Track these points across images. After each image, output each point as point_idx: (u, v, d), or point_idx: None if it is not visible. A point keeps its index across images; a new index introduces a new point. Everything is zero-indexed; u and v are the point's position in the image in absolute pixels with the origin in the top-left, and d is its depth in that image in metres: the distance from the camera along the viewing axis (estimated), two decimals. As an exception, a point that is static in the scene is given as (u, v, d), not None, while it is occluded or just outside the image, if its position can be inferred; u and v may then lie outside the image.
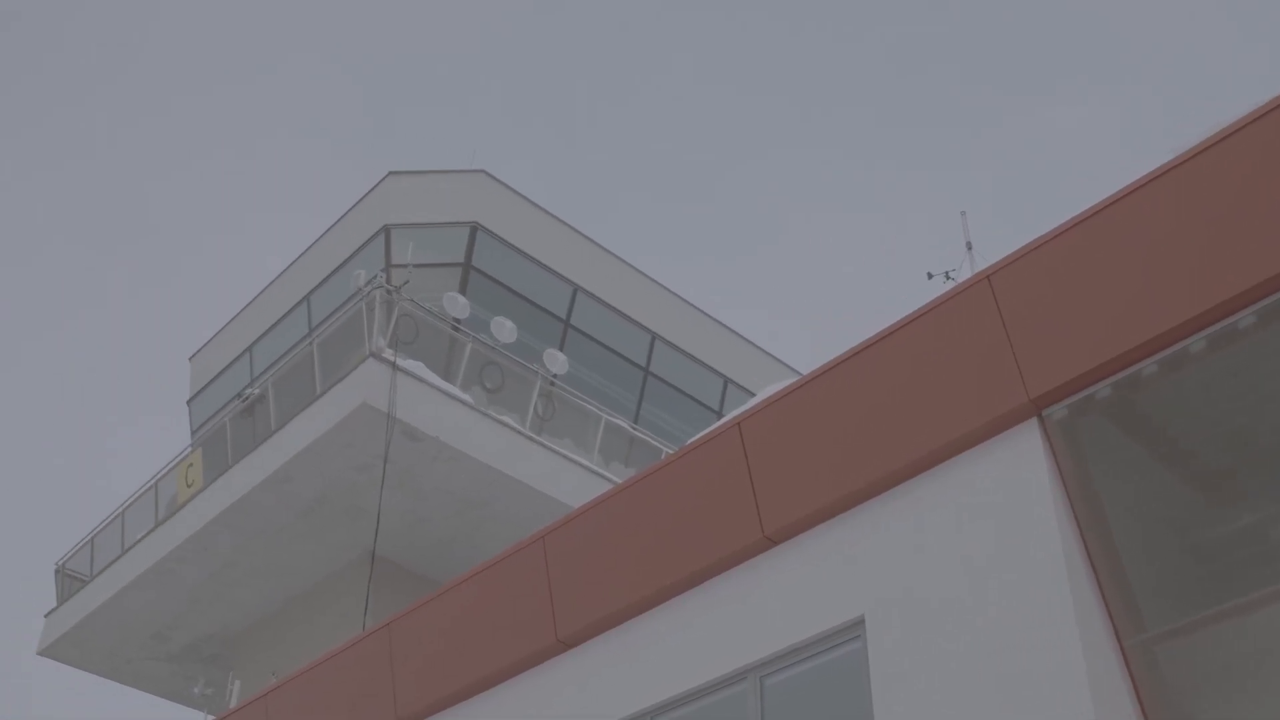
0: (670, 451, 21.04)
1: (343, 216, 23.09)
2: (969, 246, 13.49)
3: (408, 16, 73.28)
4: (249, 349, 24.70)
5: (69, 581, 24.63)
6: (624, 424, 22.09)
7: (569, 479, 19.86)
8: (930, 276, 13.36)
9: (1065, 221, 8.87)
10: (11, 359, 72.84)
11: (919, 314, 9.61)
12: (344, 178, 74.94)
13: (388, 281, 20.20)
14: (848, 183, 73.95)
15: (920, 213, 70.18)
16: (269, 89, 74.47)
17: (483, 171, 22.49)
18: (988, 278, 9.21)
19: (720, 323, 25.43)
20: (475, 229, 21.73)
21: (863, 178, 74.42)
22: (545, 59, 74.84)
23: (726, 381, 24.97)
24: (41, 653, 24.12)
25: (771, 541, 10.06)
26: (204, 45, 73.37)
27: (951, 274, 13.19)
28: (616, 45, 73.37)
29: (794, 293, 73.60)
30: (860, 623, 9.22)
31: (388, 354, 18.75)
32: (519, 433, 19.75)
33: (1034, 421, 8.74)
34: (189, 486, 21.61)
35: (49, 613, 24.32)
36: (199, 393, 26.08)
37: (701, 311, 25.20)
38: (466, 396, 19.49)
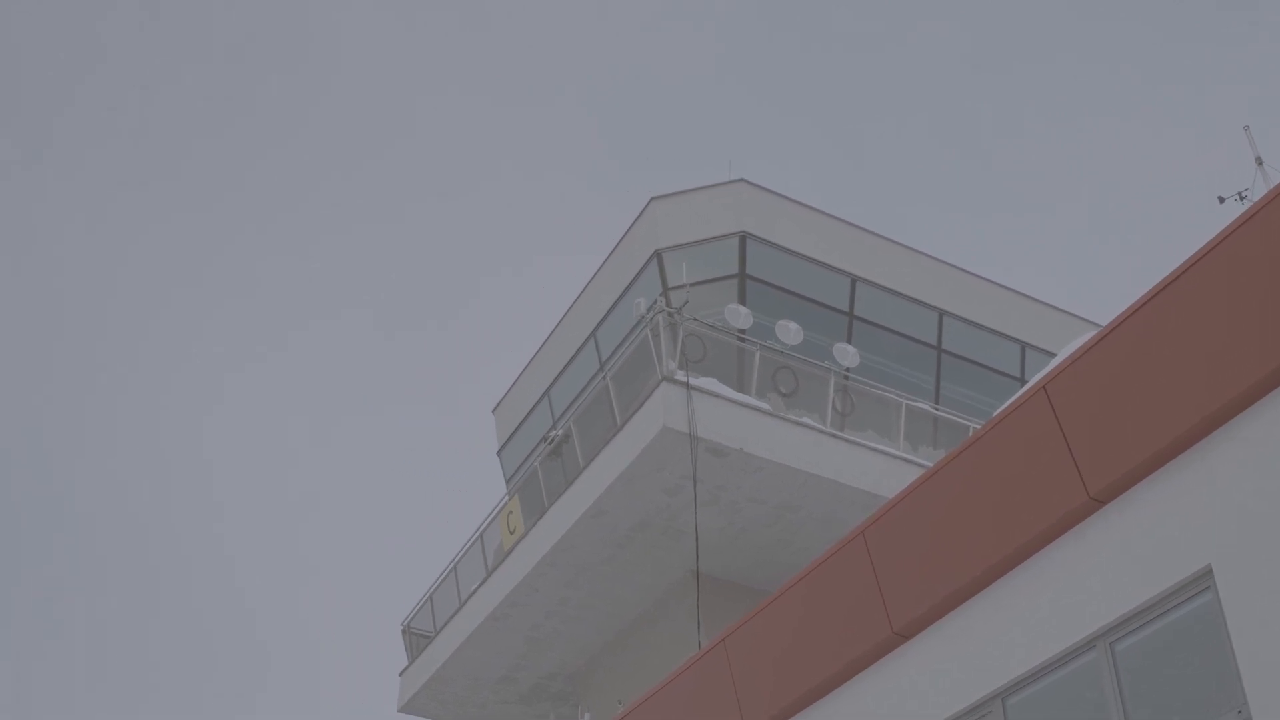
0: (977, 427, 20.59)
1: (614, 249, 23.45)
2: (1259, 162, 12.76)
3: (643, 38, 74.27)
4: (546, 393, 25.31)
5: (416, 639, 25.74)
6: (925, 406, 21.72)
7: (878, 470, 19.63)
8: (1222, 200, 12.69)
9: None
10: (333, 433, 76.75)
11: (1218, 241, 9.16)
12: (609, 211, 76.34)
13: (668, 305, 20.38)
14: (1120, 115, 71.09)
15: (1198, 133, 66.97)
16: (526, 129, 76.54)
17: (742, 180, 22.48)
18: (1287, 191, 8.69)
19: (1007, 287, 24.71)
20: (744, 238, 21.76)
21: (1133, 107, 71.49)
22: (780, 52, 74.71)
23: (1024, 346, 24.25)
24: (402, 709, 25.24)
25: (1098, 502, 9.72)
26: (459, 99, 76.02)
27: (1244, 194, 12.51)
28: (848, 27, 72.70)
29: (1082, 241, 71.19)
30: (1208, 573, 8.80)
31: (680, 375, 18.93)
32: (821, 432, 19.64)
33: (1364, 335, 8.21)
34: (512, 533, 22.28)
35: (402, 671, 25.43)
36: (506, 442, 26.89)
37: (985, 279, 24.53)
38: (763, 404, 19.50)
